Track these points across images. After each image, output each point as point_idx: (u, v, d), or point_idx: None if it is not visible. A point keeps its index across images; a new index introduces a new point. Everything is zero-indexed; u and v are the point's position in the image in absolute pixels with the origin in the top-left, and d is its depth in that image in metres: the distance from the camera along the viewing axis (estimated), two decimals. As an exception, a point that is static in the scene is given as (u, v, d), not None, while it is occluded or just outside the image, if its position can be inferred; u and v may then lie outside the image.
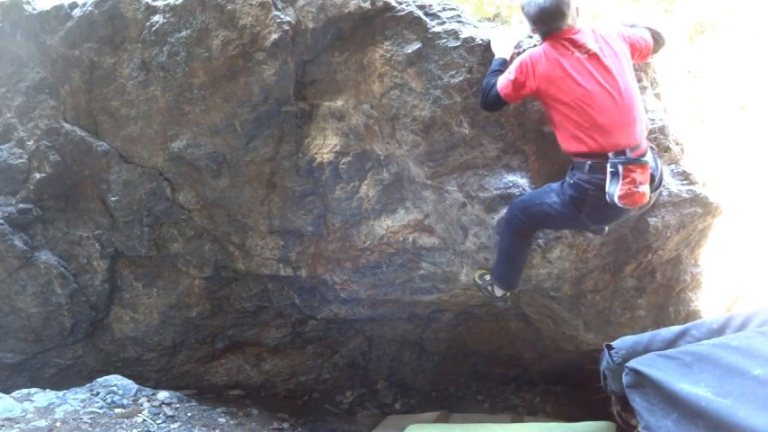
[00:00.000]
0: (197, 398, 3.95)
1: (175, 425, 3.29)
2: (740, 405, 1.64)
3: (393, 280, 3.66)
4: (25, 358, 4.23)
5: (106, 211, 3.83)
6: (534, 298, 3.58)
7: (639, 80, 2.87)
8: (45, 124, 3.62)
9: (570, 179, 2.66)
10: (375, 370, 4.69)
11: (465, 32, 2.95)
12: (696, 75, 4.19)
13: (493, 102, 2.70)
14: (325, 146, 3.31)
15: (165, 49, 3.17)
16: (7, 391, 3.43)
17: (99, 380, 3.62)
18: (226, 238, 3.78)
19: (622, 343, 2.13)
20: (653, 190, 2.64)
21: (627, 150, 2.50)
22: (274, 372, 4.58)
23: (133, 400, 3.45)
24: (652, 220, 3.01)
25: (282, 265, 3.77)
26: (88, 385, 3.56)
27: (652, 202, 2.80)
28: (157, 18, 3.15)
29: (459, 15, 3.02)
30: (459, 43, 2.93)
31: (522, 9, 2.69)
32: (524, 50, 2.76)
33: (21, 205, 3.80)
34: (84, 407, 3.28)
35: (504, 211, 3.01)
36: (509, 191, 3.04)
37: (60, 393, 3.43)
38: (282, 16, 3.00)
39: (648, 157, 2.57)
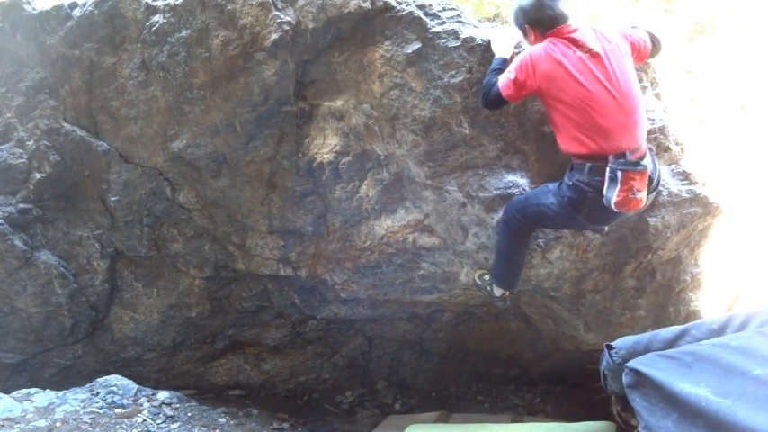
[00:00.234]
0: (197, 398, 3.96)
1: (175, 425, 3.29)
2: (740, 405, 1.64)
3: (393, 280, 3.66)
4: (25, 358, 4.23)
5: (106, 211, 3.83)
6: (534, 298, 3.58)
7: (639, 80, 2.86)
8: (45, 124, 3.62)
9: (569, 181, 2.64)
10: (375, 370, 4.69)
11: (465, 32, 2.95)
12: (696, 75, 4.19)
13: (494, 101, 2.69)
14: (325, 146, 3.31)
15: (165, 49, 3.17)
16: (7, 391, 3.43)
17: (99, 380, 3.62)
18: (226, 238, 3.78)
19: (622, 343, 2.13)
20: (650, 192, 2.63)
21: (627, 153, 2.48)
22: (274, 372, 4.58)
23: (133, 400, 3.45)
24: (652, 220, 3.01)
25: (282, 265, 3.77)
26: (88, 385, 3.56)
27: (649, 204, 2.80)
28: (157, 18, 3.15)
29: (459, 15, 3.02)
30: (459, 43, 2.93)
31: (515, 18, 2.68)
32: (524, 49, 2.75)
33: (21, 205, 3.80)
34: (84, 407, 3.28)
35: (503, 210, 3.01)
36: (509, 191, 3.04)
37: (60, 393, 3.43)
38: (282, 16, 3.00)
39: (647, 161, 2.55)
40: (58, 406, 3.27)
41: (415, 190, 3.28)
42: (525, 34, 2.69)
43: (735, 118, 4.09)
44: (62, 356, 4.27)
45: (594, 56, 2.49)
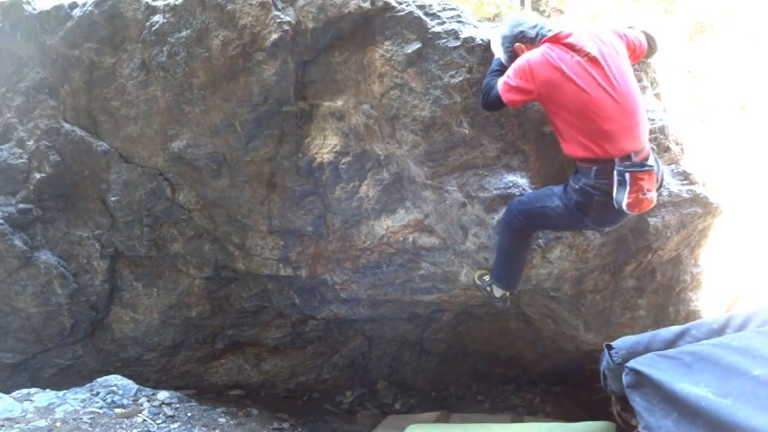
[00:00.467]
0: (197, 398, 3.95)
1: (175, 425, 3.29)
2: (740, 405, 1.64)
3: (393, 280, 3.66)
4: (25, 358, 4.23)
5: (106, 211, 3.83)
6: (534, 298, 3.58)
7: (639, 80, 2.87)
8: (45, 124, 3.62)
9: (575, 184, 2.63)
10: (375, 370, 4.69)
11: (465, 32, 2.95)
12: (696, 75, 4.20)
13: (493, 103, 2.70)
14: (325, 146, 3.31)
15: (165, 49, 3.17)
16: (7, 391, 3.43)
17: (99, 380, 3.62)
18: (226, 238, 3.78)
19: (622, 343, 2.13)
20: (656, 190, 2.64)
21: (632, 155, 2.48)
22: (274, 372, 4.58)
23: (133, 400, 3.45)
24: (652, 220, 3.01)
25: (282, 265, 3.77)
26: (88, 385, 3.56)
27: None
28: (157, 18, 3.15)
29: (459, 15, 3.02)
30: (459, 43, 2.93)
31: (503, 50, 2.70)
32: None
33: (21, 205, 3.80)
34: (84, 407, 3.28)
35: (504, 211, 3.01)
36: (509, 191, 3.04)
37: (60, 393, 3.42)
38: (282, 16, 3.00)
39: (651, 160, 2.55)
40: (58, 406, 3.27)
41: (415, 190, 3.28)
42: (517, 54, 2.68)
43: (735, 118, 4.10)
44: (62, 356, 4.27)
45: (592, 60, 2.48)
